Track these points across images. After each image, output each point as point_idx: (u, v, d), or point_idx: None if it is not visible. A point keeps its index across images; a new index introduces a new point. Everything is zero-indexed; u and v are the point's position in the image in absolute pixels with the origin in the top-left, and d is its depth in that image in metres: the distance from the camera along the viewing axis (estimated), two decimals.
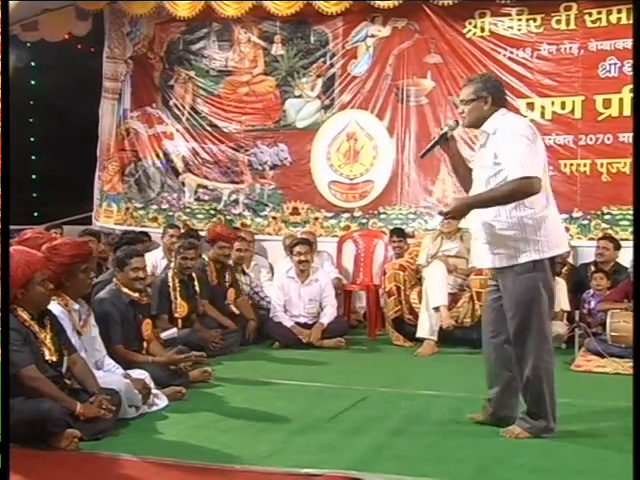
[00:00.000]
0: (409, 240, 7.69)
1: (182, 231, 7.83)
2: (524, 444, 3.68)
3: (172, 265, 6.24)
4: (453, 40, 7.98)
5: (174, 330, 5.70)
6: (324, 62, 8.50)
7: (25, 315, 3.69)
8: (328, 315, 6.72)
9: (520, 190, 3.64)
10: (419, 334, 6.44)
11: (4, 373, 3.16)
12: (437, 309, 6.38)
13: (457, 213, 3.87)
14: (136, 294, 4.89)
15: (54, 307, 3.95)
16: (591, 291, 6.69)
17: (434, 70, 8.07)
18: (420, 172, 8.11)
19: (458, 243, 6.79)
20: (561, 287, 6.71)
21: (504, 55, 7.80)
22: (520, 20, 7.76)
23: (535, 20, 7.69)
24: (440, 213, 4.00)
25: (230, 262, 6.90)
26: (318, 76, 8.53)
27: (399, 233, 7.70)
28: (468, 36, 7.93)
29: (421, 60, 8.12)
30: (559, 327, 6.54)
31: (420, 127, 8.10)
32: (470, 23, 7.91)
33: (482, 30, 7.89)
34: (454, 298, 6.57)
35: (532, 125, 3.90)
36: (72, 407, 3.59)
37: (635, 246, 4.80)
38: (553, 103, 7.63)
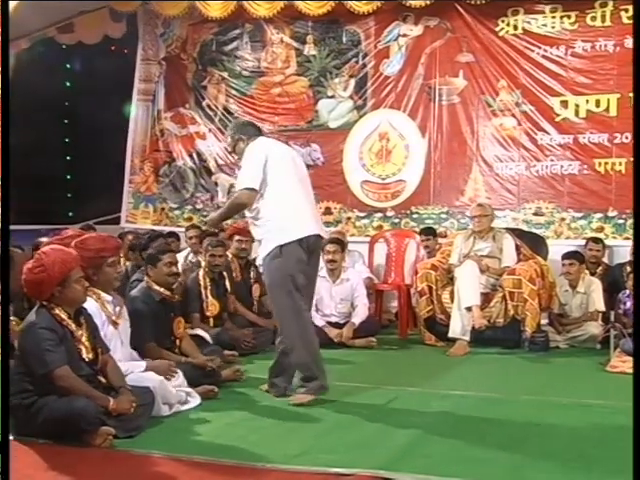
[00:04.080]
0: (441, 240, 7.66)
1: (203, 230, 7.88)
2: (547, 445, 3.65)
3: (202, 264, 6.29)
4: (485, 38, 7.93)
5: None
6: (356, 62, 8.50)
7: (62, 314, 3.74)
8: (359, 315, 6.72)
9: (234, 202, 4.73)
10: (451, 334, 6.42)
11: (4, 373, 3.21)
12: (469, 309, 6.35)
13: (211, 224, 5.24)
14: (167, 292, 4.94)
15: (88, 302, 4.01)
16: (627, 291, 6.58)
17: (466, 69, 8.03)
18: (452, 172, 8.08)
19: (490, 243, 6.75)
20: (596, 287, 6.65)
21: (537, 53, 7.73)
22: (554, 17, 7.68)
23: (569, 17, 7.61)
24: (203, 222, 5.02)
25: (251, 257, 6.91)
26: (351, 76, 8.53)
27: (430, 232, 7.67)
28: (501, 34, 7.88)
29: (453, 59, 8.08)
30: (594, 327, 6.48)
31: (452, 126, 8.07)
32: (503, 21, 7.86)
33: (515, 28, 7.83)
34: (486, 298, 6.53)
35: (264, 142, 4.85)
36: (105, 403, 3.64)
37: (635, 246, 4.78)
38: (587, 101, 7.55)
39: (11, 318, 4.38)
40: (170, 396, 4.17)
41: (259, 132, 5.01)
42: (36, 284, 3.73)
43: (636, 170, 4.48)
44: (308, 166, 8.44)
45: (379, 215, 8.35)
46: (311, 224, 4.69)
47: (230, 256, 6.72)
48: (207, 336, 5.66)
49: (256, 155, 4.68)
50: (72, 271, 3.79)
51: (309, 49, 8.70)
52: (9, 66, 4.25)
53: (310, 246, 4.64)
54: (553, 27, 7.69)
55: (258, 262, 4.84)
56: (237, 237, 6.73)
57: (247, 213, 4.76)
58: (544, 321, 6.72)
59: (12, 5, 6.37)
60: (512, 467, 3.37)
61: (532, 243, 7.06)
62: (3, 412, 3.18)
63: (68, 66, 10.32)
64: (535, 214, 7.69)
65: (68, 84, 10.36)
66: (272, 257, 4.56)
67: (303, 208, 4.72)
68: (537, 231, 7.57)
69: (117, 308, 4.34)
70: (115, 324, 4.25)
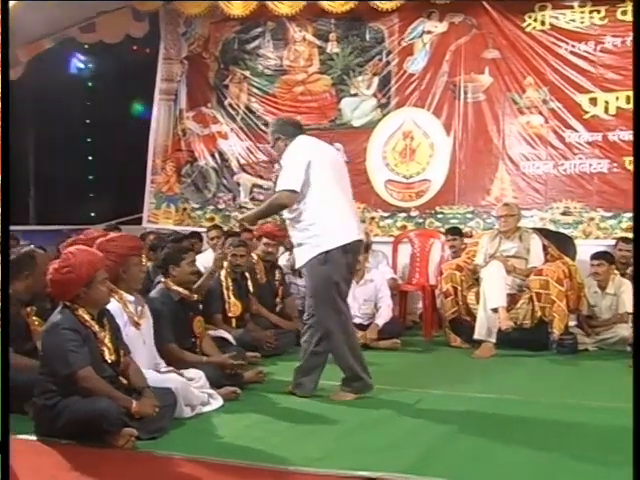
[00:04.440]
0: (466, 240, 7.64)
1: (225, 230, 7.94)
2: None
3: (224, 264, 6.33)
4: (512, 34, 7.90)
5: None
6: (380, 60, 8.51)
7: (86, 315, 3.79)
8: (383, 316, 6.72)
9: (273, 202, 4.73)
10: (477, 336, 6.40)
11: (4, 372, 3.26)
12: (495, 310, 6.33)
13: (247, 222, 5.10)
14: (186, 291, 4.99)
15: (110, 303, 4.06)
16: None
17: (492, 66, 8.01)
18: (477, 170, 8.05)
19: (517, 243, 6.73)
20: (626, 288, 6.60)
21: (565, 49, 7.69)
22: (583, 12, 7.64)
23: (599, 12, 7.56)
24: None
25: (280, 264, 6.94)
26: (374, 74, 8.54)
27: (456, 232, 7.66)
28: (527, 30, 7.84)
29: (478, 56, 8.06)
30: (624, 329, 6.43)
31: (477, 124, 8.05)
32: (530, 17, 7.82)
33: (542, 24, 7.79)
34: (513, 299, 6.50)
35: (306, 142, 4.84)
36: (128, 405, 3.68)
37: (635, 246, 4.80)
38: (617, 98, 7.49)
39: (33, 318, 4.45)
40: (192, 397, 4.21)
41: (300, 131, 4.97)
42: (63, 284, 3.78)
43: (636, 170, 4.47)
44: None
45: (403, 215, 8.34)
46: (354, 228, 4.76)
47: (256, 257, 6.75)
48: (230, 337, 5.71)
49: (298, 156, 4.70)
50: (98, 272, 3.85)
51: (332, 47, 8.72)
52: (9, 66, 4.30)
53: (352, 251, 4.72)
54: (582, 22, 7.65)
55: (298, 266, 4.88)
56: (265, 240, 6.75)
57: (286, 215, 4.79)
58: (572, 323, 6.69)
59: (12, 5, 6.42)
60: (539, 471, 3.37)
61: (560, 243, 7.02)
62: (3, 412, 3.22)
63: (90, 66, 10.43)
64: (563, 214, 7.65)
65: (90, 84, 10.48)
66: (317, 263, 4.61)
67: (346, 211, 4.78)
68: (565, 231, 7.53)
69: (139, 308, 4.40)
70: (137, 325, 4.30)
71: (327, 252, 4.57)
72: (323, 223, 4.61)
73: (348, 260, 4.68)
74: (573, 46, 7.66)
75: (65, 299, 3.82)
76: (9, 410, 3.28)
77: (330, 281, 4.61)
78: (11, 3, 7.13)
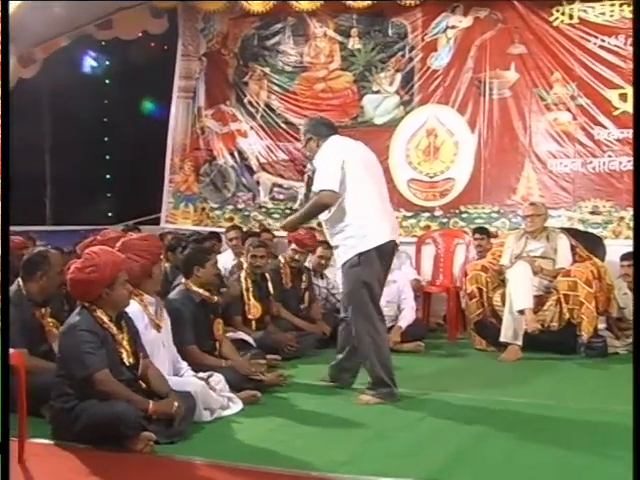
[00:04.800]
0: (492, 240, 7.58)
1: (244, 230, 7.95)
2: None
3: (244, 265, 6.33)
4: (539, 29, 7.83)
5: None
6: (403, 56, 8.47)
7: (104, 317, 3.80)
8: (406, 318, 6.70)
9: (316, 203, 4.69)
10: (502, 338, 6.36)
11: (4, 372, 3.26)
12: (522, 312, 6.28)
13: (290, 228, 5.24)
14: (206, 293, 5.00)
15: (130, 305, 4.07)
16: None
17: (518, 61, 7.94)
18: (503, 169, 8.00)
19: (544, 243, 6.67)
20: None
21: (594, 43, 7.61)
22: (613, 5, 7.55)
23: (629, 5, 7.47)
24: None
25: (307, 265, 6.93)
26: (397, 70, 8.51)
27: (482, 232, 7.60)
28: (555, 24, 7.77)
29: (504, 51, 8.00)
30: None
31: (503, 121, 7.99)
32: (557, 10, 7.75)
33: (570, 17, 7.71)
34: (540, 301, 6.45)
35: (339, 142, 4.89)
36: (145, 406, 3.69)
37: (635, 245, 4.80)
38: None
39: (48, 320, 4.46)
40: (212, 401, 4.21)
41: (333, 131, 5.02)
42: (87, 284, 3.78)
43: (636, 169, 4.45)
44: None
45: (427, 215, 8.30)
46: (388, 229, 4.81)
47: (283, 261, 6.75)
48: (250, 339, 5.71)
49: (331, 156, 4.75)
50: (120, 273, 3.87)
51: (354, 43, 8.70)
52: (9, 66, 4.33)
53: (386, 252, 4.77)
54: (611, 15, 7.56)
55: (338, 266, 4.92)
56: (293, 246, 6.73)
57: (322, 217, 4.85)
58: (601, 325, 6.62)
59: (13, 5, 6.47)
60: (568, 476, 3.33)
61: (588, 243, 6.95)
62: (3, 412, 3.23)
63: (107, 63, 10.48)
64: (592, 213, 7.57)
65: (107, 81, 10.52)
66: (350, 265, 4.69)
67: (381, 212, 4.83)
68: (594, 231, 7.45)
69: (158, 310, 4.41)
70: (158, 327, 4.31)
71: (360, 254, 4.63)
72: (358, 224, 4.68)
73: (382, 262, 4.74)
74: (602, 40, 7.57)
75: (86, 300, 3.82)
76: (9, 411, 3.29)
77: (362, 284, 4.66)
78: (24, 2, 7.21)
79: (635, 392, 3.06)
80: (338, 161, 4.67)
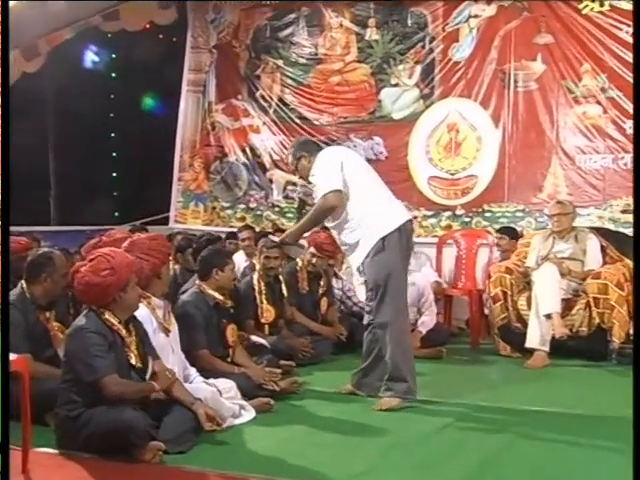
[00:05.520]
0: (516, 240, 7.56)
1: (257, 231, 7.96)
2: None
3: (257, 267, 6.35)
4: (567, 17, 7.79)
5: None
6: (422, 47, 8.47)
7: (113, 319, 3.81)
8: (427, 322, 6.70)
9: (321, 207, 4.83)
10: (528, 344, 6.34)
11: (4, 372, 3.29)
12: (549, 316, 6.25)
13: (291, 241, 5.21)
14: (221, 297, 5.02)
15: (140, 309, 4.09)
16: None
17: (545, 52, 7.91)
18: (529, 165, 7.97)
19: (572, 243, 6.65)
20: None
21: (627, 32, 7.54)
22: None
23: None
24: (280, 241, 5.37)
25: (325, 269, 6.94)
26: (416, 62, 8.51)
27: (509, 232, 7.57)
28: (584, 12, 7.73)
29: (530, 41, 7.97)
30: None
31: (529, 115, 7.97)
32: None
33: (601, 4, 7.67)
34: (568, 304, 6.42)
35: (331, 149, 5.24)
36: (152, 389, 3.80)
37: (635, 245, 4.81)
38: None
39: (54, 324, 4.48)
40: (223, 409, 4.21)
41: (320, 148, 5.28)
42: (103, 288, 3.76)
43: (636, 169, 4.45)
44: (370, 160, 8.52)
45: (448, 214, 8.29)
46: (402, 209, 5.05)
47: (300, 264, 6.76)
48: (265, 342, 5.74)
49: (329, 162, 4.94)
50: (131, 276, 3.88)
51: (371, 33, 8.71)
52: (9, 66, 4.36)
53: (406, 232, 4.91)
54: None
55: (356, 266, 4.95)
56: (312, 250, 6.73)
57: (330, 224, 5.01)
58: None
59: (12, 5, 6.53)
60: None
61: (620, 244, 6.91)
62: (3, 413, 3.25)
63: (113, 56, 10.53)
64: (623, 211, 7.53)
65: (113, 75, 10.57)
66: (376, 252, 4.78)
67: (389, 197, 5.03)
68: (626, 230, 7.41)
69: (167, 313, 4.43)
70: (167, 331, 4.32)
71: (384, 238, 4.75)
72: (372, 213, 4.82)
73: (403, 243, 4.85)
74: None
75: (99, 304, 3.80)
76: (9, 412, 3.31)
77: (388, 268, 4.77)
78: (11, 3, 7.26)
79: (635, 392, 3.07)
80: (337, 164, 4.86)
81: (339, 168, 4.84)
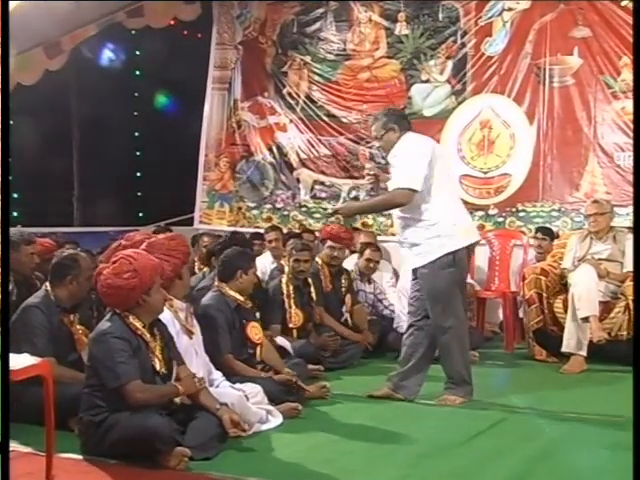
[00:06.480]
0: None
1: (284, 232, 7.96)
2: None
3: (285, 270, 6.35)
4: (605, 9, 7.74)
5: None
6: (454, 42, 8.44)
7: (137, 323, 3.83)
8: None
9: (389, 200, 4.88)
10: (565, 348, 6.30)
11: (4, 373, 3.31)
12: (586, 320, 6.20)
13: (344, 214, 5.43)
14: (242, 297, 5.04)
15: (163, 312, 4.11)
16: None
17: (582, 45, 7.86)
18: (565, 163, 7.92)
19: (610, 244, 6.59)
20: None
21: None
22: None
23: None
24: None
25: (346, 267, 6.93)
26: (448, 57, 8.48)
27: (545, 232, 7.52)
28: (623, 4, 7.65)
29: (566, 34, 7.92)
30: None
31: (565, 112, 7.93)
32: None
33: None
34: (606, 307, 6.38)
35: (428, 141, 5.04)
36: (176, 392, 3.81)
37: (635, 245, 4.85)
38: None
39: (77, 327, 4.52)
40: (250, 414, 4.22)
41: (410, 126, 5.14)
42: (126, 291, 3.77)
43: (636, 169, 4.43)
44: None
45: (481, 213, 8.25)
46: (474, 228, 5.15)
47: (320, 262, 6.75)
48: (288, 345, 5.74)
49: (420, 152, 4.88)
50: (156, 277, 3.90)
51: (401, 28, 8.69)
52: (9, 66, 4.40)
53: (470, 252, 5.05)
54: None
55: (416, 266, 4.98)
56: (329, 243, 6.73)
57: (402, 214, 4.94)
58: None
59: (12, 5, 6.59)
60: None
61: None
62: (3, 412, 3.27)
63: (138, 53, 10.59)
64: None
65: (137, 72, 10.64)
66: (443, 265, 4.82)
67: (465, 211, 5.08)
68: None
69: (189, 316, 4.44)
70: (190, 333, 4.34)
71: (454, 253, 4.79)
72: (449, 222, 4.84)
73: (469, 261, 5.02)
74: None
75: (123, 307, 3.82)
76: (9, 412, 3.33)
77: (455, 284, 4.87)
78: (12, 3, 7.34)
79: (635, 392, 3.10)
80: (426, 157, 4.81)
81: (427, 163, 4.79)
